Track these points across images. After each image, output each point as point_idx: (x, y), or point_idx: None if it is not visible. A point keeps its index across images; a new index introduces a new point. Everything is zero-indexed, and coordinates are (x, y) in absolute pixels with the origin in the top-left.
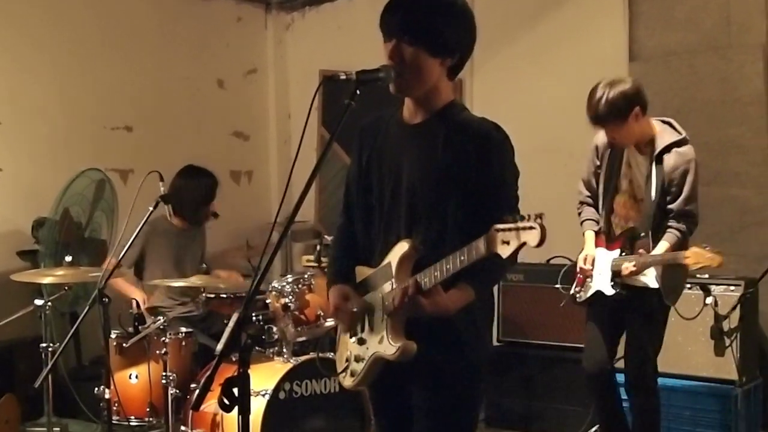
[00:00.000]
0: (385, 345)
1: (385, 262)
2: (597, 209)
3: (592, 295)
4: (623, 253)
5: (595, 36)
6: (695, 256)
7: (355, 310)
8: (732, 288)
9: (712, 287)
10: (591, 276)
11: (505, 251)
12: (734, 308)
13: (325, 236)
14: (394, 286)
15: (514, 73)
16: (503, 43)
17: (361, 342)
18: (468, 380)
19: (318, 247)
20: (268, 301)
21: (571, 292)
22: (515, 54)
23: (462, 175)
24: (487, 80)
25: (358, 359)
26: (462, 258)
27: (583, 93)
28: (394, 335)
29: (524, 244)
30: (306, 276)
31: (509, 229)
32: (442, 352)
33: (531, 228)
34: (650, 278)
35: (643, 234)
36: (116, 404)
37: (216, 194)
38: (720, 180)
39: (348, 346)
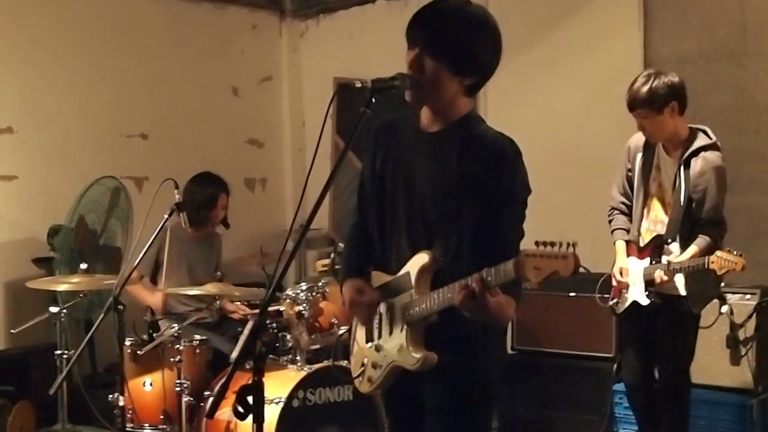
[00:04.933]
0: (404, 355)
1: (404, 271)
2: (630, 214)
3: (629, 307)
4: (652, 262)
5: (609, 44)
6: (719, 261)
7: (370, 301)
8: (748, 297)
9: (728, 296)
10: (627, 287)
11: (535, 277)
12: (750, 317)
13: (339, 244)
14: (414, 297)
15: (529, 81)
16: (518, 51)
17: (378, 349)
18: (481, 382)
19: (332, 255)
20: (282, 309)
21: (609, 303)
22: (530, 62)
23: (474, 188)
24: (501, 88)
25: (375, 366)
26: (489, 279)
27: (597, 100)
28: (415, 346)
29: (556, 272)
30: (320, 284)
31: (540, 256)
32: (455, 354)
33: (564, 258)
34: (680, 285)
35: (670, 240)
36: (130, 411)
37: (219, 202)
38: (735, 188)
39: (364, 352)
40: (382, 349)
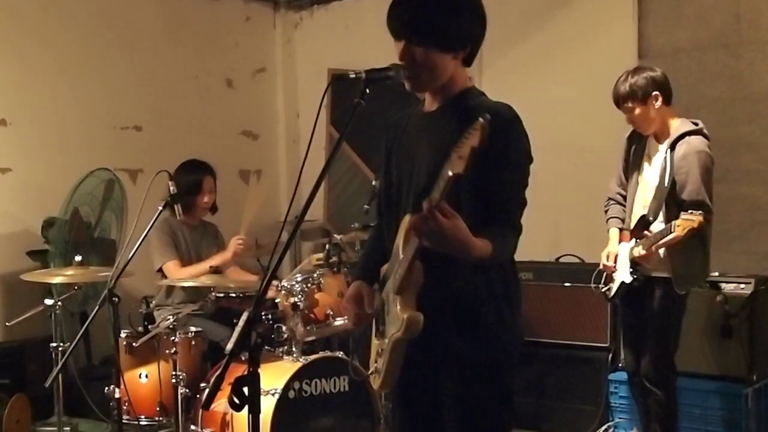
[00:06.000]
0: (396, 324)
1: (395, 247)
2: (626, 204)
3: (619, 291)
4: (637, 241)
5: (604, 34)
6: (683, 222)
7: (362, 311)
8: (742, 286)
9: (722, 285)
10: (615, 271)
11: (464, 166)
12: (744, 306)
13: (334, 235)
14: (400, 260)
15: (524, 72)
16: (512, 42)
17: (382, 336)
18: (495, 368)
19: (327, 246)
20: (277, 300)
21: (603, 289)
22: (524, 52)
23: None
24: (496, 79)
25: (380, 354)
26: (434, 194)
27: (592, 90)
28: (403, 309)
29: (473, 148)
30: (315, 275)
31: (460, 145)
32: (466, 339)
33: (474, 131)
34: (666, 266)
35: (652, 218)
36: (126, 403)
37: (204, 186)
38: (730, 177)
39: (374, 346)
40: (384, 334)
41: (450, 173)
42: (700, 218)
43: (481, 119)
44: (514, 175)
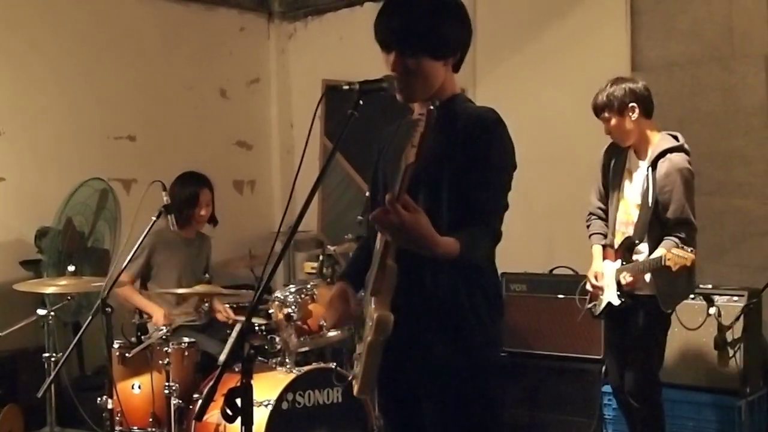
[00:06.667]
0: (368, 326)
1: (375, 252)
2: (607, 219)
3: (605, 309)
4: (623, 263)
5: (597, 46)
6: (674, 258)
7: (347, 308)
8: (735, 298)
9: (716, 297)
10: (603, 290)
11: (413, 154)
12: (737, 319)
13: (328, 246)
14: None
15: (518, 83)
16: (506, 53)
17: (360, 341)
18: (474, 374)
19: (320, 257)
20: (270, 311)
21: (587, 306)
22: (518, 63)
23: (451, 158)
24: (490, 89)
25: (358, 358)
26: (395, 188)
27: (585, 102)
28: (375, 310)
29: (423, 134)
30: (309, 286)
31: (413, 134)
32: (444, 345)
33: (421, 116)
34: (651, 285)
35: (637, 241)
36: (119, 414)
37: (201, 198)
38: (723, 191)
39: (358, 351)
40: (362, 339)
41: (404, 164)
42: (693, 256)
43: (430, 106)
44: (494, 177)
